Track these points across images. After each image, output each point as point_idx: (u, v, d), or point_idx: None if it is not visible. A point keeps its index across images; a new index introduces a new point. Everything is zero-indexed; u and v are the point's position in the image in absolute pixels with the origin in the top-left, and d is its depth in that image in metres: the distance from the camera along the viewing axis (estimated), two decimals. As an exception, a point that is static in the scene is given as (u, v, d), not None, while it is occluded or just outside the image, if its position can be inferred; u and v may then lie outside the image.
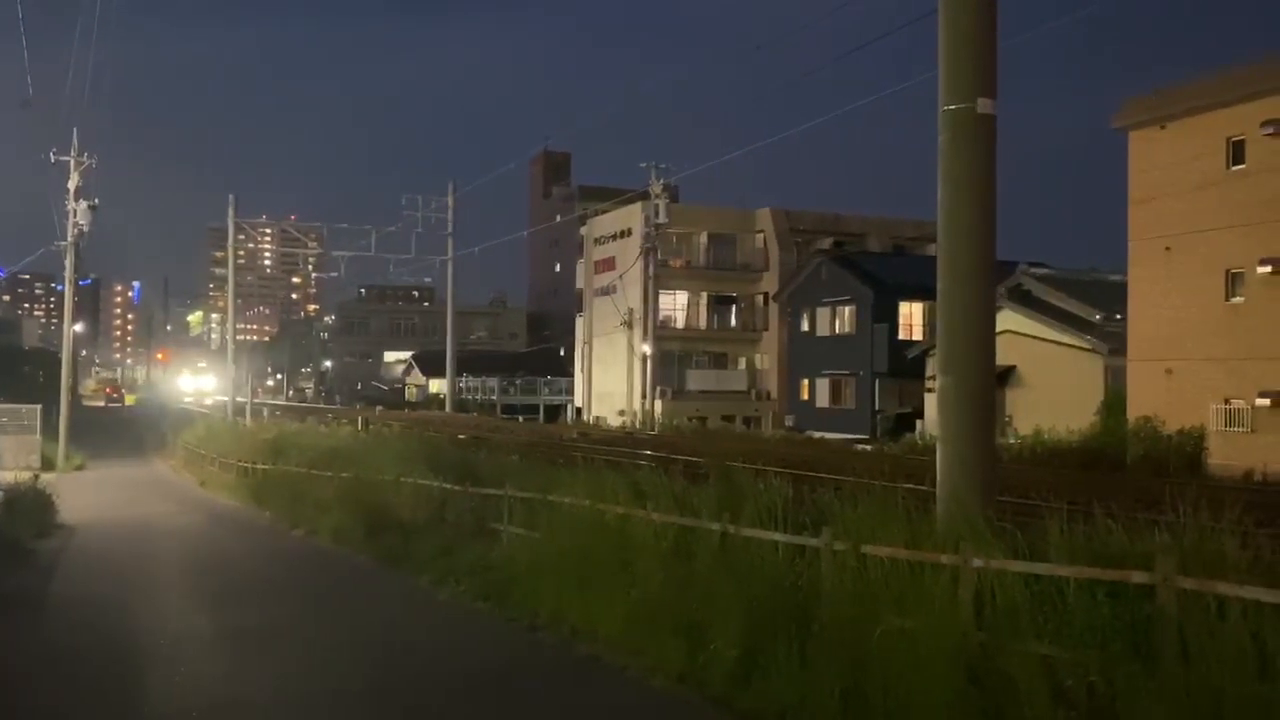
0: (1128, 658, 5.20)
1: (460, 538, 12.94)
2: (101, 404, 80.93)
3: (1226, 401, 23.87)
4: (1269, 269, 23.35)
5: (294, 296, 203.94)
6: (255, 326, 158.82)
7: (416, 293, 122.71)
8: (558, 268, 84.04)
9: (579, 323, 56.23)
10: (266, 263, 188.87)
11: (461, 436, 25.88)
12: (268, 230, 63.68)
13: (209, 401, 68.59)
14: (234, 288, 47.73)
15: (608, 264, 51.72)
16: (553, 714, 7.30)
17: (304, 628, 9.96)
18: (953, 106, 7.38)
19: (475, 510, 13.57)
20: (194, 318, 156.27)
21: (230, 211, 42.68)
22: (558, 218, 75.39)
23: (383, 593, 11.93)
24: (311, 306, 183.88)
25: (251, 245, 58.14)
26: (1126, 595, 5.55)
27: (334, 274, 54.84)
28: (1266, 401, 22.96)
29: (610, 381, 50.21)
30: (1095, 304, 30.87)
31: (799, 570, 7.57)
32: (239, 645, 9.16)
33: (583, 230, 57.51)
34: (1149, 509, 9.93)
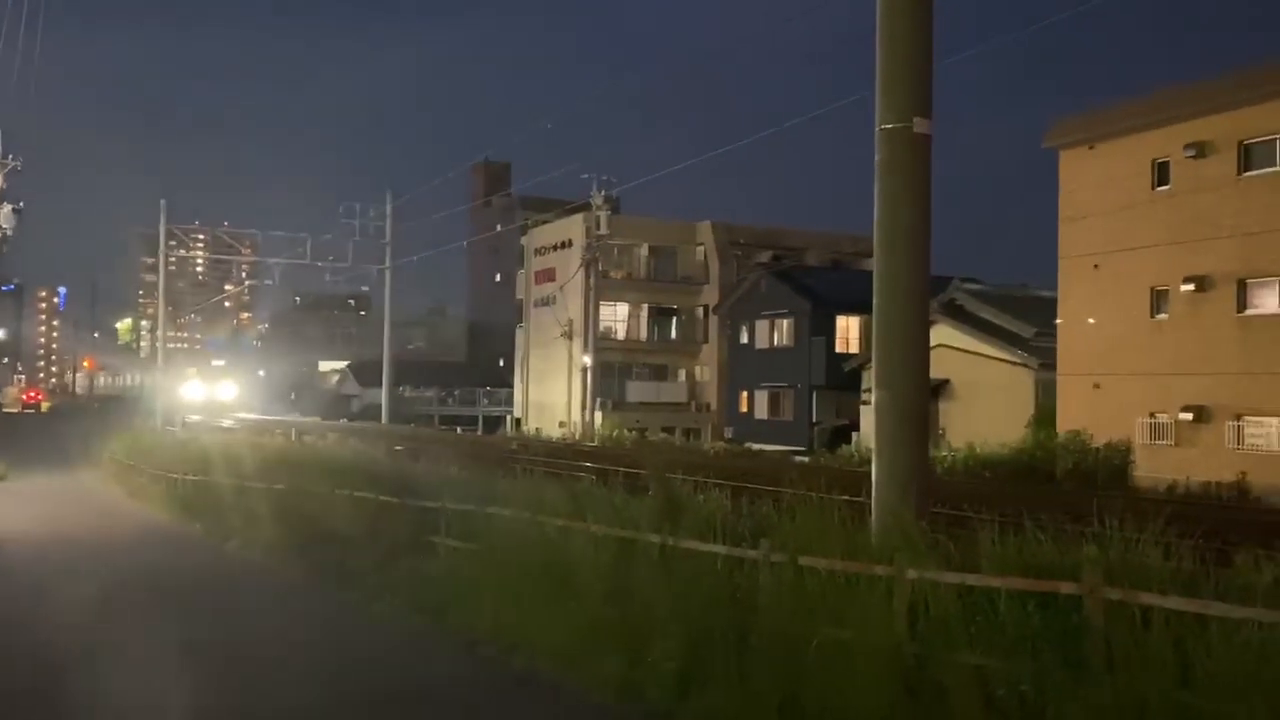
0: (1057, 667, 5.32)
1: (396, 551, 12.76)
2: (16, 410, 77.82)
3: (1151, 415, 24.58)
4: (1192, 287, 24.12)
5: (227, 305, 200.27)
6: (188, 335, 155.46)
7: (353, 301, 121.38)
8: (498, 278, 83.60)
9: (519, 333, 56.02)
10: (199, 269, 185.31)
11: (399, 448, 25.61)
12: (200, 236, 62.27)
13: (230, 420, 49.02)
14: (164, 294, 46.77)
15: (548, 275, 51.65)
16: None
17: (232, 644, 9.74)
18: (889, 126, 7.53)
19: (412, 523, 13.41)
20: (123, 325, 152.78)
21: (162, 217, 41.81)
22: (498, 227, 75.13)
23: (315, 608, 11.72)
24: (245, 314, 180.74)
25: (184, 252, 56.89)
26: (1056, 606, 5.68)
27: (268, 281, 53.99)
28: (1189, 415, 23.69)
29: (550, 393, 50.10)
30: (1027, 319, 31.59)
31: (738, 582, 7.62)
32: (160, 663, 8.93)
33: (523, 240, 57.38)
34: (1077, 521, 10.17)
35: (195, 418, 47.05)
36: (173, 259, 54.11)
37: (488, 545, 10.62)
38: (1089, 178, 26.74)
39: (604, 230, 41.70)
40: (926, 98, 7.54)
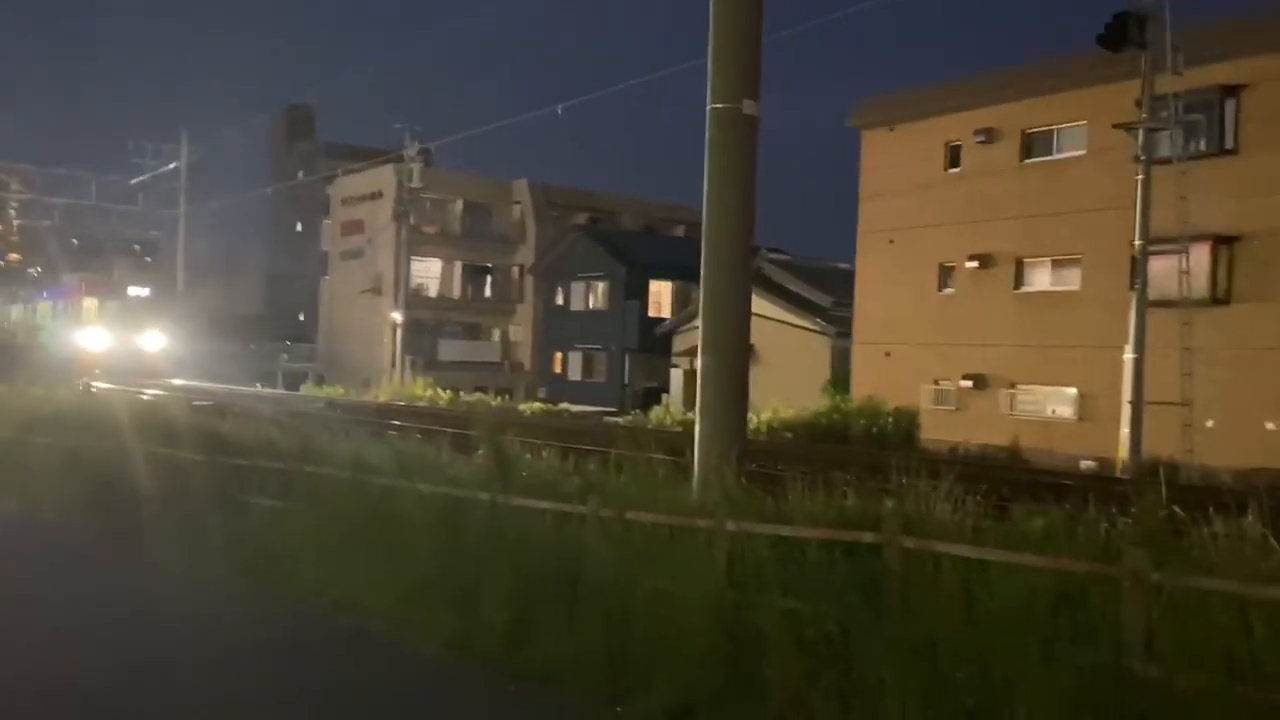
0: (861, 609, 5.91)
1: (207, 511, 12.40)
2: None
3: (936, 382, 26.52)
4: (975, 264, 26.10)
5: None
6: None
7: (138, 247, 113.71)
8: (299, 227, 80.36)
9: (323, 286, 54.26)
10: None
11: (199, 403, 24.52)
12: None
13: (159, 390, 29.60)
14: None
15: (356, 226, 50.22)
16: (317, 687, 7.28)
17: (30, 609, 9.29)
18: (719, 106, 7.93)
19: (223, 481, 13.03)
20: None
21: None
22: (300, 174, 72.15)
23: (122, 571, 11.27)
24: (13, 255, 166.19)
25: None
26: (859, 553, 6.28)
27: (46, 222, 49.92)
28: (969, 383, 25.72)
29: (357, 349, 48.90)
30: (826, 290, 33.30)
31: (568, 538, 7.93)
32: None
33: (329, 190, 55.45)
34: (874, 476, 11.06)
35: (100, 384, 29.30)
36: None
37: (309, 505, 10.51)
38: (888, 158, 28.38)
39: (417, 183, 40.84)
40: (755, 81, 7.98)
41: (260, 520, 11.36)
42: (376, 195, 48.50)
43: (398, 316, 41.34)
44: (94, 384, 29.47)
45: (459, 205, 50.68)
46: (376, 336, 46.03)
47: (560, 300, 45.43)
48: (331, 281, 52.43)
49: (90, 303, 40.29)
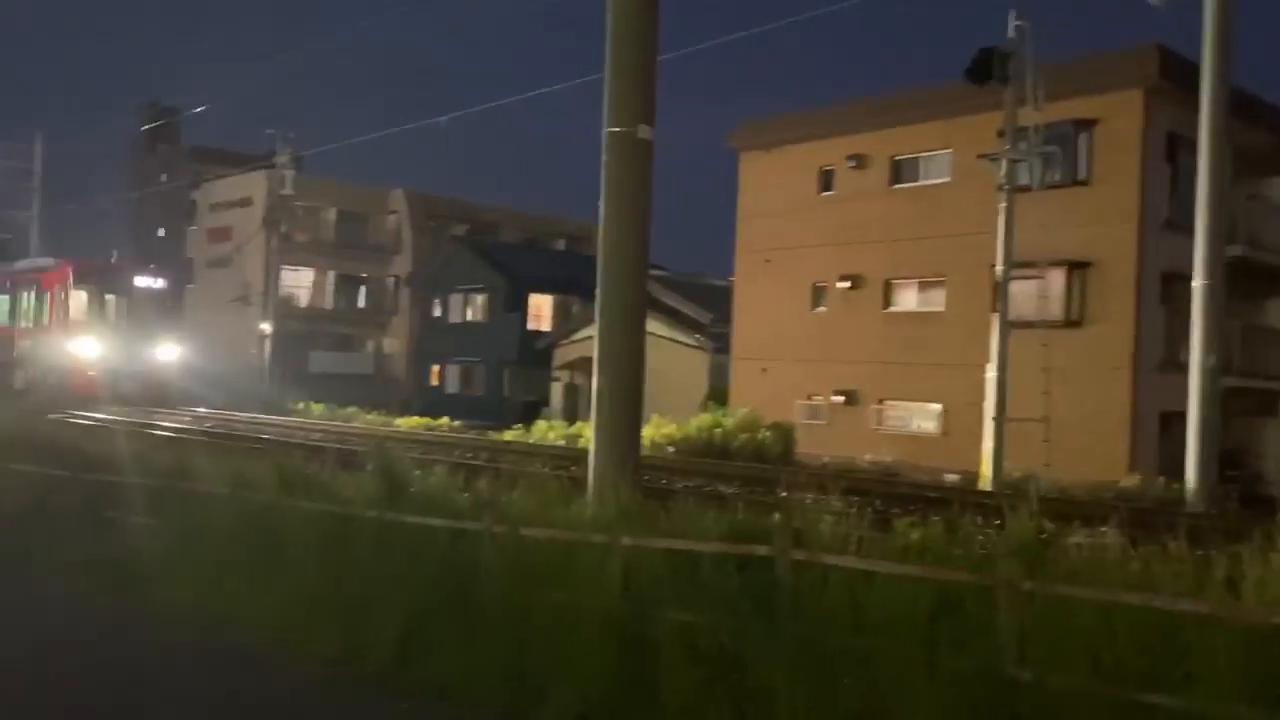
0: (753, 619, 6.12)
1: (74, 529, 11.88)
2: None
3: (810, 398, 27.30)
4: (847, 284, 27.01)
5: None
6: None
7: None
8: (161, 232, 77.20)
9: (188, 294, 52.24)
10: None
11: (53, 416, 23.32)
12: None
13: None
14: None
15: (224, 233, 48.64)
16: (196, 705, 7.09)
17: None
18: (616, 130, 8.11)
19: (92, 499, 12.50)
20: None
21: None
22: (163, 177, 69.42)
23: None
24: None
25: None
26: (752, 566, 6.50)
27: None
28: (841, 399, 26.57)
29: (222, 360, 47.18)
30: (705, 306, 33.91)
31: (462, 554, 7.94)
32: None
33: (195, 195, 53.55)
34: (758, 489, 11.39)
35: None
36: None
37: (184, 522, 10.20)
38: (765, 179, 29.13)
39: (289, 190, 39.85)
40: (650, 107, 8.19)
41: (135, 539, 10.96)
42: (246, 202, 47.08)
43: (267, 327, 40.17)
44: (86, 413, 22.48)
45: (332, 214, 49.60)
46: (244, 347, 44.58)
47: (438, 312, 44.90)
48: (197, 290, 50.58)
49: (80, 296, 28.70)
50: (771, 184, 28.83)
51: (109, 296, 29.50)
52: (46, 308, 29.31)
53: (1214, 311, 15.77)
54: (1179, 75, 20.75)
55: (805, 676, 5.74)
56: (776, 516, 7.10)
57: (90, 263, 31.04)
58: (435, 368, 44.21)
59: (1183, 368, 16.80)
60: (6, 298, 31.89)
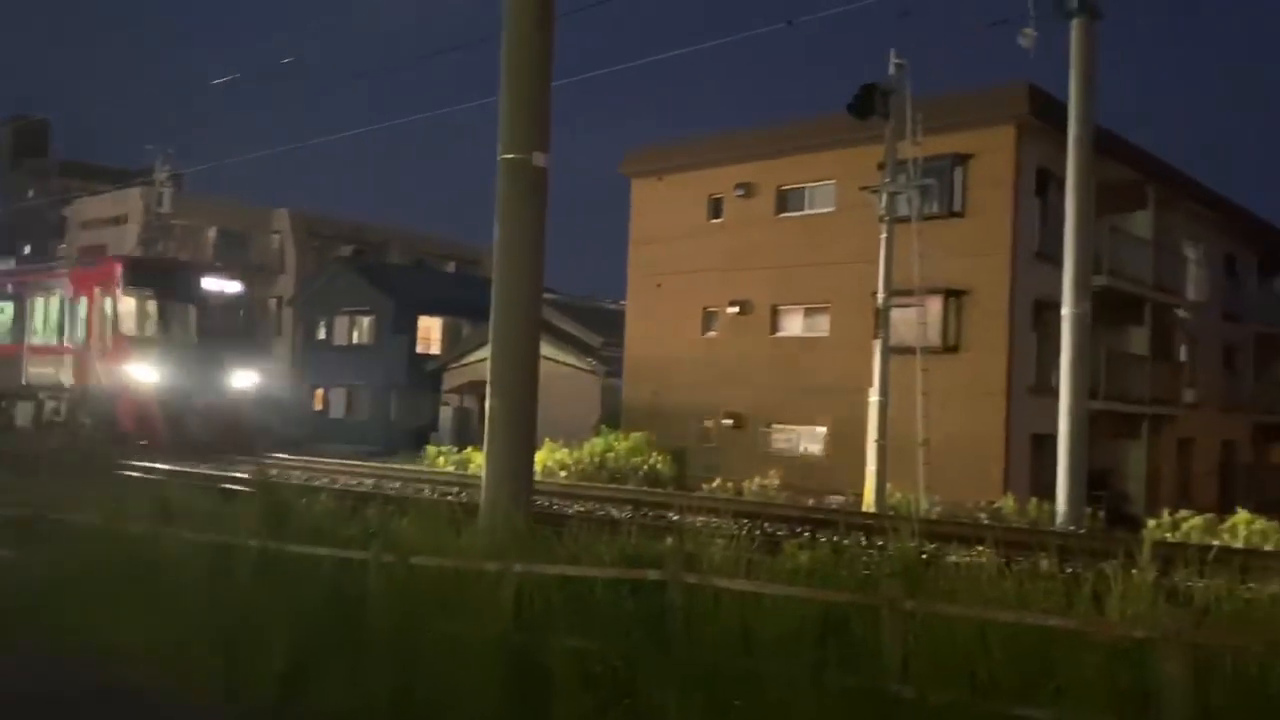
0: (646, 644, 6.18)
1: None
2: None
3: (701, 421, 27.61)
4: (736, 309, 27.49)
5: None
6: None
7: None
8: (27, 249, 73.70)
9: (58, 316, 49.91)
10: None
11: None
12: None
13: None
14: None
15: (97, 252, 46.70)
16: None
17: None
18: (510, 157, 8.15)
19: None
20: None
21: None
22: (30, 193, 66.48)
23: None
24: None
25: None
26: (645, 590, 6.57)
27: None
28: (730, 422, 26.96)
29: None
30: (596, 329, 34.01)
31: (349, 583, 7.80)
32: None
33: (66, 211, 51.40)
34: (651, 513, 11.48)
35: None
36: None
37: (57, 554, 9.76)
38: (656, 205, 29.47)
39: (167, 208, 38.49)
40: (545, 135, 8.26)
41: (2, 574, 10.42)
42: (121, 220, 45.43)
43: (143, 349, 38.59)
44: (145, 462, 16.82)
45: (212, 232, 48.15)
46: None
47: (322, 334, 43.89)
48: (65, 310, 48.43)
49: (133, 302, 21.49)
50: (663, 210, 29.19)
51: (172, 304, 21.75)
52: (81, 319, 22.12)
53: (1081, 338, 16.57)
54: (1048, 113, 21.83)
55: (697, 699, 5.82)
56: (668, 541, 7.20)
57: (146, 259, 25.54)
58: (319, 391, 43.14)
59: (1054, 392, 17.60)
60: (8, 305, 24.94)
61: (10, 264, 28.40)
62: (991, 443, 22.67)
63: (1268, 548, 13.64)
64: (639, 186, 30.12)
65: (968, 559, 7.14)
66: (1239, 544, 13.98)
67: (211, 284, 22.78)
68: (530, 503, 8.40)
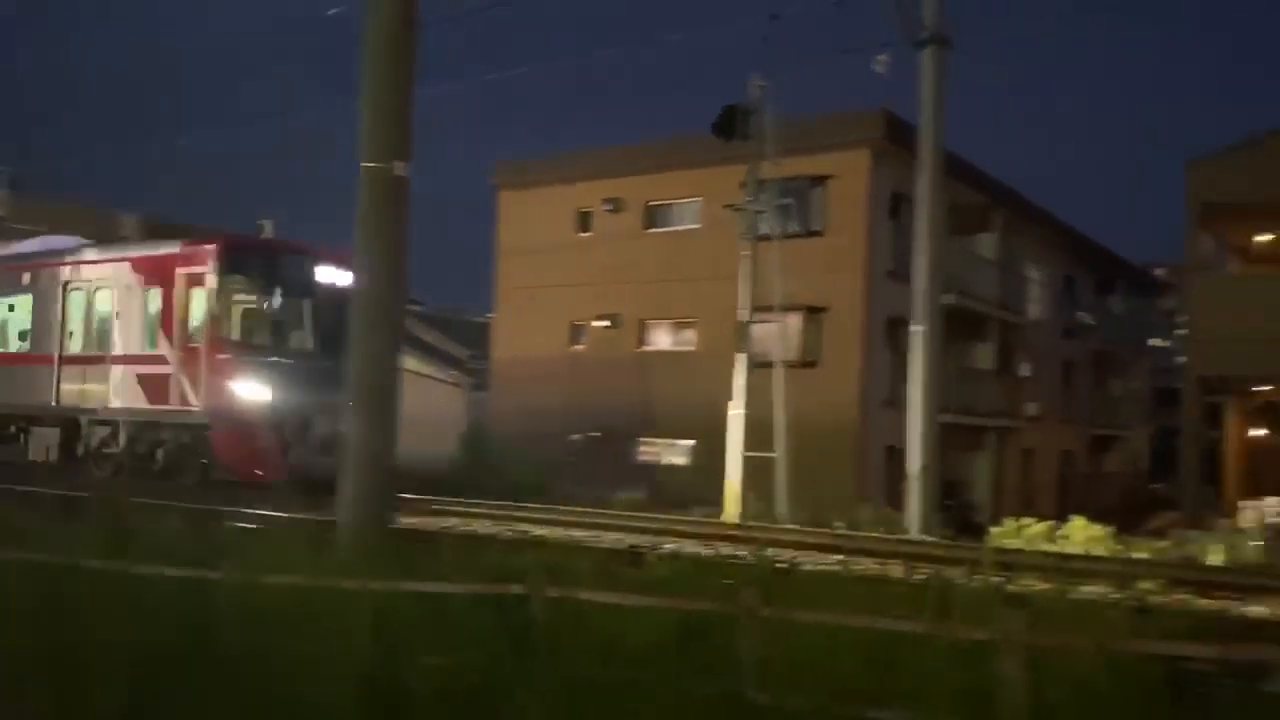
0: (509, 658, 6.14)
1: None
2: None
3: (569, 434, 27.61)
4: (605, 323, 27.63)
5: None
6: None
7: None
8: None
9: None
10: None
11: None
12: None
13: None
14: None
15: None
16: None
17: None
18: (371, 165, 8.01)
19: None
20: None
21: None
22: None
23: None
24: None
25: None
26: (508, 605, 6.53)
27: None
28: (599, 434, 27.07)
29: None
30: (462, 341, 33.66)
31: (199, 604, 7.49)
32: None
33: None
34: (518, 527, 11.39)
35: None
36: None
37: None
38: (525, 218, 29.40)
39: (2, 211, 36.35)
40: (407, 144, 8.15)
41: None
42: (-52, 221, 42.40)
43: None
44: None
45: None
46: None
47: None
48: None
49: (236, 294, 16.88)
50: (531, 223, 29.13)
51: (285, 300, 16.65)
52: (151, 319, 17.04)
53: (931, 354, 17.25)
54: (902, 138, 22.73)
55: (559, 712, 5.81)
56: (531, 555, 7.18)
57: (251, 239, 19.13)
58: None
59: (906, 405, 18.27)
60: (24, 300, 19.21)
61: (25, 247, 20.91)
62: (848, 454, 23.40)
63: (1099, 553, 14.47)
64: (507, 199, 30.01)
65: (823, 567, 7.36)
66: (1075, 549, 14.78)
67: (326, 274, 16.75)
68: (393, 519, 8.24)
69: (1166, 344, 43.47)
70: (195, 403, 16.02)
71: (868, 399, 23.87)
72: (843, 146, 24.06)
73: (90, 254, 18.66)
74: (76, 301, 18.16)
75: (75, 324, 18.14)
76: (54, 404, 18.02)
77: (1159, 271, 44.53)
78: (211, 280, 16.14)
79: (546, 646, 6.18)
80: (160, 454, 16.55)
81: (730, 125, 18.34)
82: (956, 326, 23.85)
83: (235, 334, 16.59)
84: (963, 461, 26.73)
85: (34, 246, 20.88)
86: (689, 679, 5.64)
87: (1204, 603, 8.96)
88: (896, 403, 22.61)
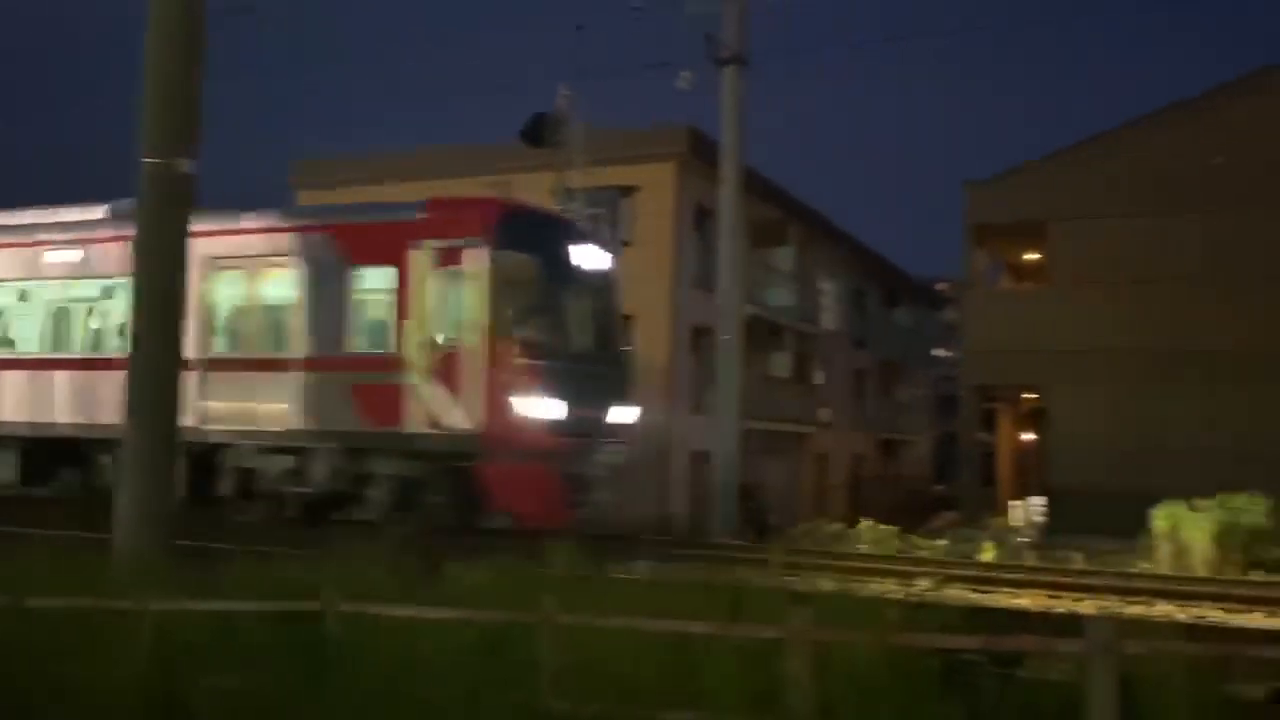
0: (301, 676, 5.94)
1: None
2: None
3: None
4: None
5: None
6: None
7: None
8: None
9: None
10: None
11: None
12: None
13: None
14: None
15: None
16: None
17: None
18: (152, 161, 7.58)
19: None
20: None
21: None
22: None
23: None
24: None
25: None
26: (302, 621, 6.32)
27: None
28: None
29: None
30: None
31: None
32: None
33: None
34: (313, 544, 10.96)
35: None
36: None
37: None
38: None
39: None
40: (193, 141, 7.75)
41: None
42: None
43: None
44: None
45: None
46: None
47: None
48: None
49: (516, 277, 12.31)
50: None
51: (563, 286, 13.04)
52: (373, 309, 12.96)
53: (733, 363, 17.85)
54: (707, 153, 23.39)
55: (350, 729, 5.67)
56: (325, 570, 6.96)
57: (527, 206, 14.58)
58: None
59: (711, 411, 18.82)
60: (117, 286, 13.38)
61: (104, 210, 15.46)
62: (657, 459, 23.82)
63: (886, 551, 15.32)
64: (307, 200, 28.91)
65: (625, 573, 7.47)
66: (863, 548, 15.59)
67: (588, 256, 13.53)
68: (173, 535, 7.79)
69: (949, 354, 46.47)
70: (457, 423, 11.96)
71: (674, 406, 24.39)
72: (650, 159, 24.50)
73: (244, 222, 13.91)
74: (220, 287, 13.54)
75: (221, 317, 13.75)
76: (196, 425, 12.64)
77: (941, 286, 47.55)
78: (486, 256, 12.01)
79: (343, 663, 6.02)
80: (375, 492, 12.46)
81: (538, 133, 18.40)
82: (756, 336, 24.72)
83: (511, 330, 12.09)
84: (761, 466, 27.71)
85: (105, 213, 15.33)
86: (488, 691, 5.61)
87: (974, 596, 9.66)
88: (702, 409, 23.25)
